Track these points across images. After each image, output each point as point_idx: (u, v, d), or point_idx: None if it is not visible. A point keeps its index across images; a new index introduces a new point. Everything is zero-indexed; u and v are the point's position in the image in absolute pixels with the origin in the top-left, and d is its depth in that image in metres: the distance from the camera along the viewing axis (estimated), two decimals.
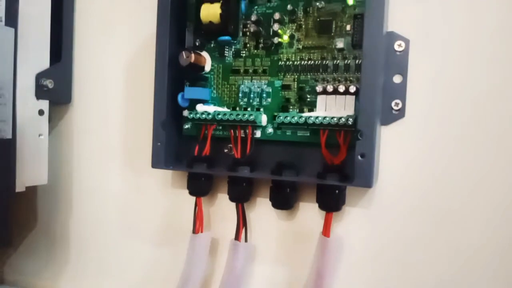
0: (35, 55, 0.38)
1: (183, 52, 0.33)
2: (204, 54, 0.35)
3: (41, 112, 0.40)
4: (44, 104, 0.40)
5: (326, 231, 0.31)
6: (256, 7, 0.34)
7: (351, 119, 0.29)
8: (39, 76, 0.39)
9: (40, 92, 0.39)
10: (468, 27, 0.30)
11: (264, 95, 0.34)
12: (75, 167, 0.43)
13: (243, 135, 0.34)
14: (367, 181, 0.28)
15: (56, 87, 0.40)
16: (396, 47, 0.31)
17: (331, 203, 0.31)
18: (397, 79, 0.31)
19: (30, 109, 0.38)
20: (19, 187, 0.36)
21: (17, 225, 0.45)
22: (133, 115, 0.40)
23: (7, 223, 0.34)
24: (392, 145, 0.32)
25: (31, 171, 0.38)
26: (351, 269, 0.32)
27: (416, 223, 0.31)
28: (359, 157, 0.28)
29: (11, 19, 0.33)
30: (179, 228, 0.38)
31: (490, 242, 0.29)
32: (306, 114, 0.31)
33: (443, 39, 0.30)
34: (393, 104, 0.31)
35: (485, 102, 0.29)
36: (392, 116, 0.31)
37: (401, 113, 0.31)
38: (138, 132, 0.40)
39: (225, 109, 0.34)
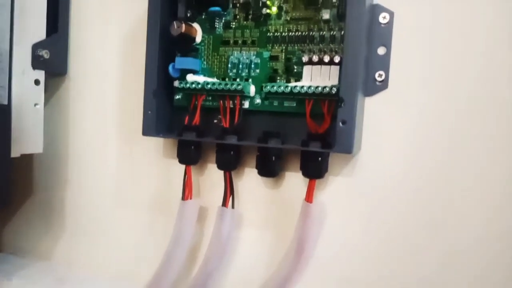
0: (32, 25, 0.39)
1: (174, 22, 0.34)
2: (195, 25, 0.36)
3: (37, 82, 0.41)
4: (40, 74, 0.41)
5: (309, 197, 0.32)
6: None
7: (334, 88, 0.30)
8: (36, 47, 0.40)
9: (36, 62, 0.40)
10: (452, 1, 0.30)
11: (253, 66, 0.35)
12: (71, 137, 0.44)
13: (232, 106, 0.35)
14: (347, 147, 0.29)
15: (52, 58, 0.41)
16: (380, 19, 0.32)
17: (314, 170, 0.32)
18: (381, 50, 0.32)
19: (27, 78, 0.39)
20: (15, 153, 0.37)
21: (14, 192, 0.47)
22: (127, 87, 0.41)
23: (5, 184, 0.35)
24: (375, 115, 0.32)
25: (27, 139, 0.40)
26: (333, 235, 0.34)
27: (398, 192, 0.32)
28: (340, 124, 0.29)
29: None
30: (170, 196, 0.39)
31: (476, 208, 0.30)
32: (292, 84, 0.32)
33: (427, 11, 0.31)
34: (376, 75, 0.32)
35: (467, 74, 0.30)
36: (375, 87, 0.32)
37: (384, 84, 0.32)
38: (132, 103, 0.41)
39: (214, 80, 0.35)
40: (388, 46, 0.32)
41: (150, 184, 0.41)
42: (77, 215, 0.45)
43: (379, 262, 0.33)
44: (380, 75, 0.32)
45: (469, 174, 0.30)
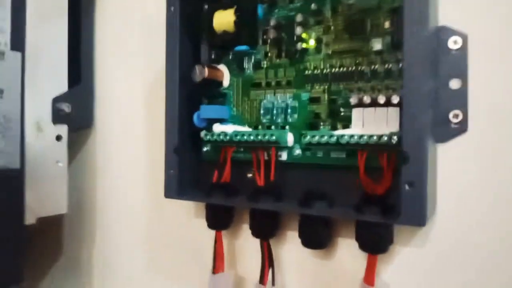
0: (51, 79, 0.36)
1: (196, 67, 0.29)
2: (221, 67, 0.31)
3: (58, 138, 0.38)
4: (62, 129, 0.38)
5: (368, 279, 0.25)
6: (276, 10, 0.29)
7: (395, 137, 0.23)
8: (56, 101, 0.37)
9: (57, 116, 0.37)
10: None
11: (290, 110, 0.29)
12: (100, 194, 0.41)
13: (267, 158, 0.29)
14: (417, 218, 0.22)
15: (75, 111, 0.38)
16: (450, 45, 0.25)
17: (374, 243, 0.25)
18: (454, 84, 0.25)
19: (46, 135, 0.36)
20: (30, 220, 0.33)
21: (42, 255, 0.44)
22: (156, 140, 0.37)
23: (17, 259, 0.32)
24: (452, 167, 0.25)
25: (47, 200, 0.36)
26: None
27: (485, 268, 0.24)
28: (406, 187, 0.22)
29: (18, 43, 0.31)
30: (201, 265, 0.34)
31: None
32: (338, 132, 0.26)
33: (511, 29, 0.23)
34: (451, 116, 0.25)
35: None
36: (450, 131, 0.25)
37: (462, 126, 0.25)
38: (162, 158, 0.36)
39: (245, 129, 0.30)
40: (463, 77, 0.24)
41: (181, 249, 0.35)
42: (106, 279, 0.40)
43: None
44: (455, 116, 0.25)
45: None
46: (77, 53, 0.39)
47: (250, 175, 0.31)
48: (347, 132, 0.25)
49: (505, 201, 0.23)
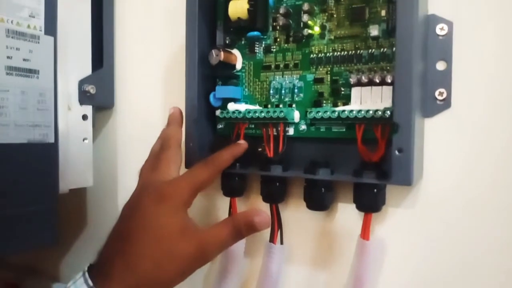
0: (77, 62, 0.40)
1: (213, 51, 0.33)
2: (235, 52, 0.35)
3: (84, 117, 0.41)
4: (88, 109, 0.41)
5: (365, 234, 0.29)
6: None
7: (388, 112, 0.27)
8: (82, 83, 0.40)
9: (83, 97, 0.41)
10: None
11: (296, 90, 0.32)
12: (120, 170, 0.45)
13: (276, 133, 0.33)
14: (405, 179, 0.26)
15: (99, 93, 0.42)
16: (438, 31, 0.28)
17: (370, 203, 0.29)
18: (440, 66, 0.28)
19: (74, 114, 0.40)
20: (63, 189, 0.37)
21: (68, 225, 0.48)
22: None
23: (52, 223, 0.36)
24: (437, 138, 0.29)
25: (75, 174, 0.40)
26: (393, 275, 0.30)
27: (467, 224, 0.28)
28: (397, 152, 0.26)
29: (51, 28, 0.35)
30: None
31: None
32: (339, 108, 0.29)
33: (491, 19, 0.27)
34: (436, 93, 0.29)
35: None
36: (436, 107, 0.29)
37: (446, 103, 0.28)
38: None
39: (256, 107, 0.33)
40: (448, 60, 0.28)
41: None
42: None
43: None
44: (440, 93, 0.28)
45: None
46: (99, 39, 0.42)
47: (260, 149, 0.35)
48: (347, 108, 0.29)
49: (482, 168, 0.27)
